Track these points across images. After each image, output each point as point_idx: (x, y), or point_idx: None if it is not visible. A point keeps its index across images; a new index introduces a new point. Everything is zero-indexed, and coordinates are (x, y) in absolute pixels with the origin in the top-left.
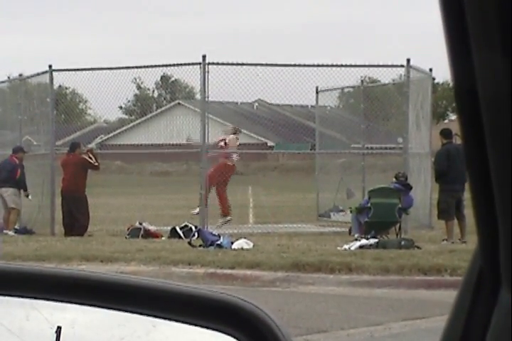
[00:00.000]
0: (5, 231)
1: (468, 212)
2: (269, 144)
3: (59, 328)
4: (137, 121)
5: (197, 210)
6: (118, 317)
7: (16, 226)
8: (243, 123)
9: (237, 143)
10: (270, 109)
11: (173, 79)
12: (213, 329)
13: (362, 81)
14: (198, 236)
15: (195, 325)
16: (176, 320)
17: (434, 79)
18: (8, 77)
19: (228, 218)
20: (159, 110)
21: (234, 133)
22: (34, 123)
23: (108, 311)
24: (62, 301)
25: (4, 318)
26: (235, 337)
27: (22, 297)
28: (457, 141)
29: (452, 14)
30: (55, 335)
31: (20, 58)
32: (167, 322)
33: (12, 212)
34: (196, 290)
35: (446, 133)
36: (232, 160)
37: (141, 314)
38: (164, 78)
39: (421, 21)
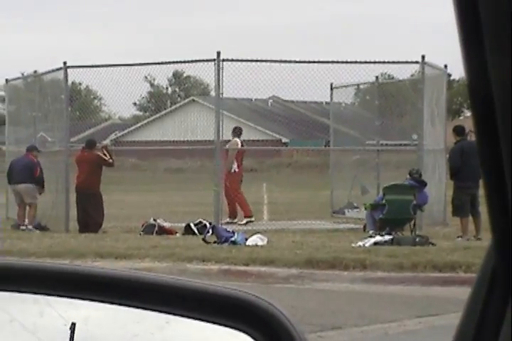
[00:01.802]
0: (22, 227)
1: (483, 208)
2: (283, 141)
3: (73, 324)
4: (151, 118)
5: (244, 221)
6: (131, 313)
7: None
8: (257, 119)
9: (238, 146)
10: (284, 106)
11: (185, 75)
12: (227, 326)
13: (377, 77)
14: (213, 233)
15: (209, 322)
16: (190, 317)
17: (450, 75)
18: (22, 74)
19: (252, 219)
20: (173, 107)
21: (235, 135)
22: (48, 120)
23: (122, 308)
24: (75, 298)
25: (18, 315)
26: (248, 334)
27: (36, 293)
28: (472, 137)
29: (466, 14)
30: (69, 332)
31: (35, 55)
32: (180, 318)
33: (32, 206)
34: (210, 287)
35: (459, 131)
36: (234, 167)
37: (154, 311)
38: (176, 74)
39: (436, 17)
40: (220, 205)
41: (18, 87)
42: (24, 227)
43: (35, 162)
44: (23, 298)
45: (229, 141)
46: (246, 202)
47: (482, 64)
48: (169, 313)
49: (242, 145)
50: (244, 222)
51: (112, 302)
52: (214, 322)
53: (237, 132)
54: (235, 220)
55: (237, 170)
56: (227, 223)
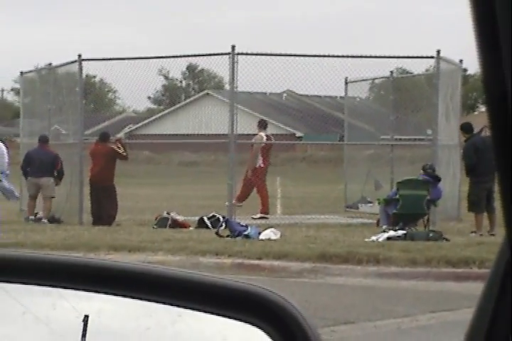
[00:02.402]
0: (31, 217)
1: (499, 204)
2: (297, 135)
3: (86, 317)
4: (166, 111)
5: (258, 216)
6: (144, 307)
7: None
8: (272, 113)
9: (263, 139)
10: (299, 100)
11: (199, 68)
12: (239, 319)
13: (391, 72)
14: (226, 227)
15: (221, 316)
16: (202, 311)
17: (465, 70)
18: (37, 67)
19: (267, 216)
20: (188, 100)
21: (260, 128)
22: (63, 113)
23: (134, 301)
24: (88, 290)
25: (31, 307)
26: (260, 328)
27: (49, 286)
28: (486, 132)
29: (482, 9)
30: (81, 324)
31: (49, 48)
32: (192, 312)
33: (49, 200)
34: (222, 281)
35: (466, 128)
36: (259, 162)
37: (167, 304)
38: (190, 68)
39: (452, 12)
40: (234, 198)
41: (32, 79)
42: (33, 217)
43: (56, 155)
44: (36, 290)
45: (242, 135)
46: (267, 199)
47: (497, 59)
48: (181, 307)
49: (267, 140)
50: (258, 216)
51: (124, 296)
52: (226, 316)
53: (262, 126)
54: (240, 204)
55: (262, 165)
56: (255, 218)
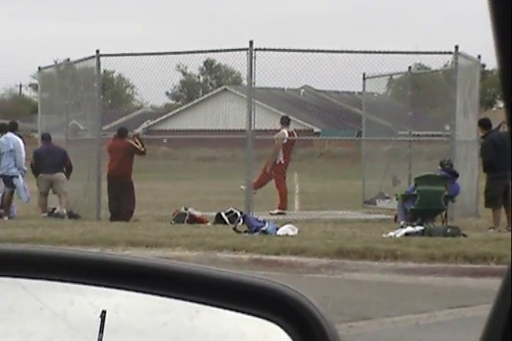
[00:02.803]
0: (43, 214)
1: None
2: (315, 131)
3: (104, 312)
4: (183, 107)
5: (276, 211)
6: (161, 302)
7: (63, 210)
8: (289, 109)
9: (285, 135)
10: (317, 96)
11: (216, 63)
12: (256, 315)
13: (409, 68)
14: (244, 222)
15: (238, 312)
16: (219, 306)
17: (484, 66)
18: (55, 62)
19: (284, 212)
20: (205, 96)
21: (283, 124)
22: (81, 108)
23: (151, 296)
24: (106, 286)
25: (49, 302)
26: (277, 324)
27: (66, 282)
28: (504, 128)
29: (500, 4)
30: (99, 319)
31: (68, 43)
32: (210, 308)
33: (64, 194)
34: (240, 277)
35: (485, 124)
36: (280, 159)
37: (184, 300)
38: (207, 63)
39: (471, 7)
40: (251, 194)
41: (50, 75)
42: (46, 215)
43: (65, 150)
44: (54, 286)
45: (260, 130)
46: (286, 195)
47: None
48: (199, 302)
49: (289, 136)
50: (275, 212)
51: (141, 291)
52: (243, 312)
53: (284, 122)
54: (254, 191)
55: (282, 161)
56: (272, 214)
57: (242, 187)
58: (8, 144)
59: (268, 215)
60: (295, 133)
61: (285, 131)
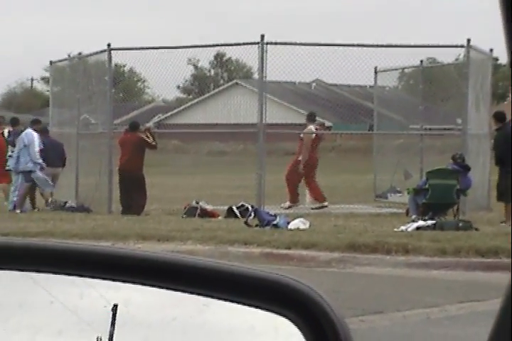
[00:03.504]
0: (47, 207)
1: None
2: (326, 124)
3: (115, 306)
4: (195, 101)
5: (287, 204)
6: (171, 296)
7: (73, 204)
8: (301, 103)
9: (313, 131)
10: (328, 89)
11: (227, 57)
12: (266, 309)
13: (421, 61)
14: (255, 216)
15: (248, 305)
16: (229, 300)
17: (496, 59)
18: (69, 55)
19: (325, 204)
20: (217, 90)
21: (309, 121)
22: (92, 102)
23: (161, 290)
24: (116, 280)
25: (59, 296)
26: (287, 318)
27: (77, 275)
28: None
29: None
30: (110, 313)
31: (81, 37)
32: (220, 302)
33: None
34: (250, 271)
35: (499, 117)
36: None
37: (194, 294)
38: (218, 56)
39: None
40: (262, 188)
41: (62, 68)
42: (48, 208)
43: (63, 144)
44: (64, 280)
45: (271, 124)
46: (317, 189)
47: None
48: (208, 296)
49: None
50: (316, 206)
51: (151, 285)
52: (253, 306)
53: (311, 118)
54: (325, 203)
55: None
56: (322, 207)
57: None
58: (24, 140)
59: (279, 209)
60: (321, 129)
61: (312, 126)
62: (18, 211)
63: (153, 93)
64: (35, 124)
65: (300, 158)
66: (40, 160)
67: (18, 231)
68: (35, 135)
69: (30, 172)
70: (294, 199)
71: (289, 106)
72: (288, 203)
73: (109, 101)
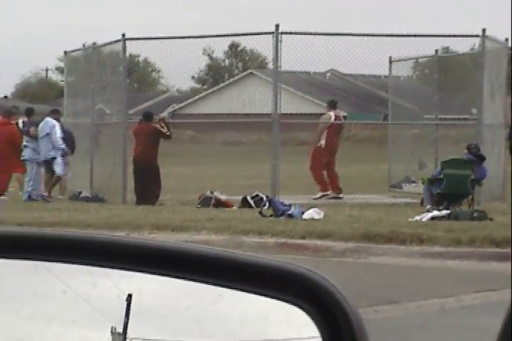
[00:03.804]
0: (60, 196)
1: None
2: (341, 114)
3: (130, 296)
4: (209, 91)
5: (318, 195)
6: (184, 286)
7: (87, 194)
8: (315, 93)
9: (332, 119)
10: (343, 79)
11: (241, 47)
12: (279, 299)
13: (436, 51)
14: (269, 206)
15: (261, 295)
16: (243, 290)
17: None
18: (83, 45)
19: (340, 195)
20: (231, 80)
21: (330, 107)
22: (106, 92)
23: (174, 280)
24: (130, 269)
25: (72, 285)
26: (300, 308)
27: (90, 265)
28: None
29: None
30: (125, 303)
31: (96, 27)
32: (234, 291)
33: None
34: (263, 260)
35: None
36: (322, 142)
37: (208, 283)
38: (233, 46)
39: None
40: (277, 178)
41: (76, 58)
42: (61, 197)
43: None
44: (77, 269)
45: (286, 114)
46: (335, 179)
47: None
48: (222, 286)
49: (335, 120)
50: (318, 196)
51: (165, 275)
52: (267, 296)
53: (331, 105)
54: (340, 195)
55: (324, 145)
56: (334, 198)
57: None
58: (44, 129)
59: (294, 199)
60: (341, 117)
61: (331, 113)
62: (50, 200)
63: (167, 83)
64: (54, 114)
65: (320, 145)
66: (64, 146)
67: (33, 221)
68: (56, 123)
69: (52, 160)
70: (325, 187)
71: (303, 96)
72: (320, 193)
73: (124, 91)
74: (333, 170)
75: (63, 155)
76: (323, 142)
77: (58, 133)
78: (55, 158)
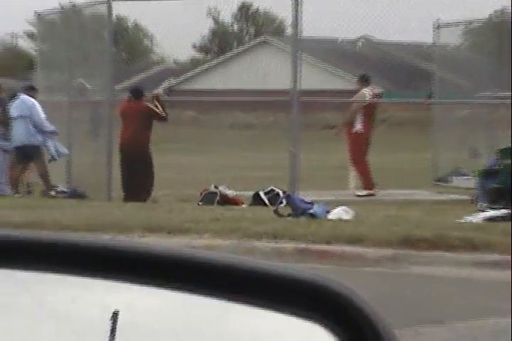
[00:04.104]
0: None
1: None
2: (375, 92)
3: (115, 314)
4: (214, 62)
5: (364, 192)
6: (183, 300)
7: (64, 189)
8: (344, 65)
9: (367, 97)
10: (377, 48)
11: (253, 8)
12: (298, 315)
13: (492, 14)
14: (287, 204)
15: (277, 311)
16: (254, 305)
17: None
18: (61, 6)
19: (372, 192)
20: (241, 48)
21: (362, 83)
22: (88, 64)
23: (171, 293)
24: (116, 280)
25: (48, 299)
26: (324, 326)
27: (69, 274)
28: None
29: None
30: (109, 320)
31: None
32: (242, 307)
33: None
34: (279, 269)
35: None
36: (358, 126)
37: (211, 296)
38: (243, 7)
39: None
40: (297, 169)
41: (51, 22)
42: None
43: None
44: (54, 279)
45: (308, 90)
46: (367, 172)
47: None
48: (229, 300)
49: (372, 98)
50: (363, 193)
51: (159, 286)
52: (283, 311)
53: (364, 80)
54: (372, 192)
55: (362, 130)
56: (360, 196)
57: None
58: (21, 109)
59: (318, 195)
60: (379, 96)
61: (366, 91)
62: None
63: (162, 53)
64: (29, 91)
65: (357, 130)
66: (52, 127)
67: None
68: (35, 102)
69: (34, 147)
70: (370, 184)
71: (329, 69)
72: (365, 191)
73: (109, 62)
74: (365, 161)
75: (53, 136)
76: (359, 127)
77: (41, 113)
78: (37, 145)
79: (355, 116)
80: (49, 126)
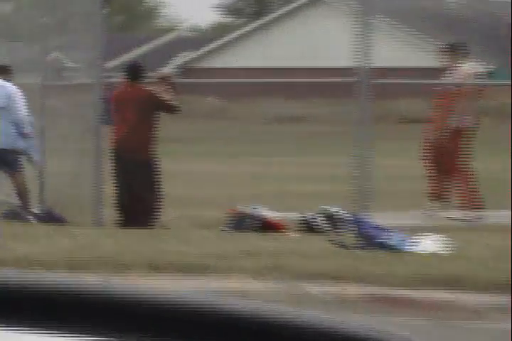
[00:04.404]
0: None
1: None
2: (479, 71)
3: None
4: (245, 29)
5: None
6: None
7: (35, 211)
8: (430, 32)
9: (472, 77)
10: (477, 9)
11: None
12: None
13: None
14: (352, 230)
15: None
16: None
17: None
18: None
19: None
20: (284, 9)
21: (455, 56)
22: (69, 32)
23: None
24: (108, 336)
25: None
26: None
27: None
28: None
29: None
30: None
31: None
32: None
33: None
34: (341, 325)
35: None
36: (459, 120)
37: None
38: None
39: None
40: (367, 181)
41: None
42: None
43: None
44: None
45: (381, 68)
46: (473, 187)
47: None
48: None
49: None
50: (457, 216)
51: None
52: None
53: (456, 51)
54: (478, 213)
55: (463, 123)
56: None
57: (459, 216)
58: None
59: (396, 219)
60: (482, 75)
61: (468, 68)
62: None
63: (173, 17)
64: (3, 74)
65: (459, 124)
66: (31, 129)
67: None
68: (15, 88)
69: (12, 152)
70: (478, 201)
71: (409, 38)
72: (467, 211)
73: (100, 30)
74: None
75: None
76: (462, 120)
77: (23, 107)
78: (19, 151)
79: (463, 105)
80: (29, 127)
